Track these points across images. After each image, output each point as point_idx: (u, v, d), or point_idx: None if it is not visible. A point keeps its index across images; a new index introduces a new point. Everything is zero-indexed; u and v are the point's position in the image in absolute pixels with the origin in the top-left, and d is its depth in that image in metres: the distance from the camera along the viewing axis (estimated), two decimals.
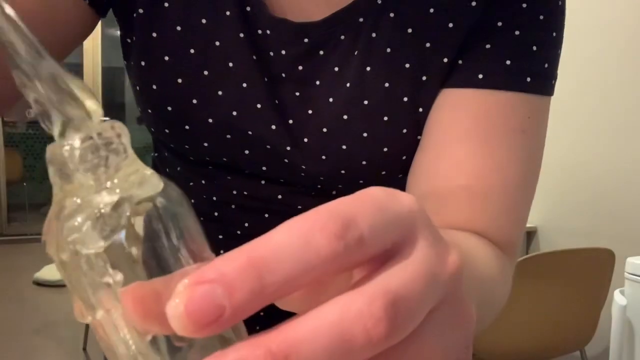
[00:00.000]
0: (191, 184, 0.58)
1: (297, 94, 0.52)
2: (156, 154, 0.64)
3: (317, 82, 0.52)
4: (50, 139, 0.22)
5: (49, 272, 3.83)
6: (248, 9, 0.50)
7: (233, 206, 0.57)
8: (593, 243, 2.10)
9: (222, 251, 0.18)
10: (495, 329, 1.84)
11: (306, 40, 0.51)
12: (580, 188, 2.47)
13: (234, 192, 0.56)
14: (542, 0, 0.49)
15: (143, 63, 0.51)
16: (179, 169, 0.59)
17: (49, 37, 0.49)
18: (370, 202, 0.19)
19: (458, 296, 0.21)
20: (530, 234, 2.70)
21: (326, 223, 0.18)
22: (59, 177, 0.22)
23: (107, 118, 0.22)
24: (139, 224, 0.21)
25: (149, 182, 0.22)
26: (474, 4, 0.49)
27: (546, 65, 0.50)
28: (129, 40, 0.53)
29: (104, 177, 0.21)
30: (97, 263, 0.20)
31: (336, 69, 0.51)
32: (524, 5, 0.48)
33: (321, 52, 0.51)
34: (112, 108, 5.27)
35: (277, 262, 0.17)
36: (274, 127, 0.52)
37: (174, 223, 0.21)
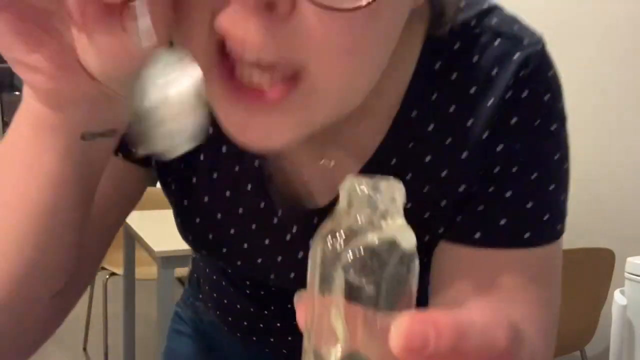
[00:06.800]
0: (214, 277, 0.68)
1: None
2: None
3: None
4: None
5: None
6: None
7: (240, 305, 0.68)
8: (593, 243, 2.10)
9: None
10: None
11: (316, 220, 0.53)
12: (580, 188, 2.46)
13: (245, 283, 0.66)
14: (533, 163, 0.48)
15: (186, 202, 0.57)
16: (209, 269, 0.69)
17: (121, 213, 0.57)
18: None
19: None
20: None
21: None
22: (347, 206, 0.29)
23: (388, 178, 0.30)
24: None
25: (409, 238, 0.28)
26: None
27: (547, 217, 0.49)
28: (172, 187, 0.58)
29: (377, 221, 0.28)
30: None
31: None
32: (515, 169, 0.48)
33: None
34: None
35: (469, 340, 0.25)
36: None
37: (409, 272, 0.28)
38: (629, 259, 1.72)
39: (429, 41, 0.48)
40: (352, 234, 0.28)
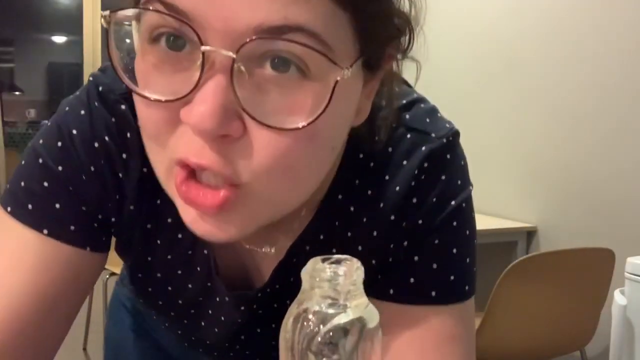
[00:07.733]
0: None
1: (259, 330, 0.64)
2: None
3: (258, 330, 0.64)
4: None
5: None
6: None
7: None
8: (593, 243, 2.10)
9: None
10: (495, 329, 1.84)
11: (259, 295, 0.60)
12: (580, 188, 2.47)
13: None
14: (434, 231, 0.54)
15: (140, 275, 0.62)
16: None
17: (82, 299, 0.60)
18: None
19: None
20: (530, 234, 2.69)
21: None
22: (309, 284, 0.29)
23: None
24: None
25: (373, 314, 0.29)
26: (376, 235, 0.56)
27: (452, 278, 0.55)
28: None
29: (341, 298, 0.28)
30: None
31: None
32: (419, 239, 0.55)
33: (275, 305, 0.61)
34: None
35: None
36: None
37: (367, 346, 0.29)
38: (629, 259, 1.72)
39: (353, 136, 0.52)
40: (319, 318, 0.29)
